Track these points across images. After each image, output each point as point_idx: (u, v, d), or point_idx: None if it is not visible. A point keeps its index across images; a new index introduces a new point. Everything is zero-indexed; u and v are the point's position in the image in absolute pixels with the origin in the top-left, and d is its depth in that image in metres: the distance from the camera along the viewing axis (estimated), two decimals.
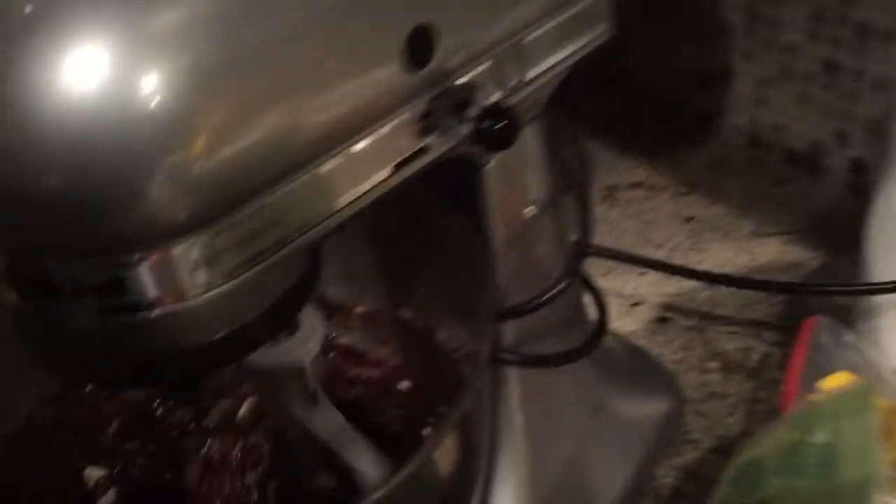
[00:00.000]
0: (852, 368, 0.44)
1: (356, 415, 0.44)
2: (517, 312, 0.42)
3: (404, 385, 0.46)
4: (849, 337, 0.48)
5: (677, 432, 0.55)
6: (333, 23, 0.28)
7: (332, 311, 0.47)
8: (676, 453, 0.54)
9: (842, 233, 0.67)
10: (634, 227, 0.71)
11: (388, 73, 0.30)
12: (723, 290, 0.63)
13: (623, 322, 0.62)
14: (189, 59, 0.24)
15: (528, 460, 0.46)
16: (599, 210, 0.71)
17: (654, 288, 0.65)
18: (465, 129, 0.34)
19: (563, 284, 0.43)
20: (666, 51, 0.81)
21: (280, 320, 0.32)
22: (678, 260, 0.67)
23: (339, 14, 0.28)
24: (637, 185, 0.75)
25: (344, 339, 0.47)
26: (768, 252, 0.67)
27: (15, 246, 0.26)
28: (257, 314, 0.30)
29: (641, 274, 0.66)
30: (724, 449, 0.54)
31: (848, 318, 0.56)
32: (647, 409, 0.55)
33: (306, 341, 0.35)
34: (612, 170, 0.76)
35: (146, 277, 0.27)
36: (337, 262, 0.45)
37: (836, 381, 0.43)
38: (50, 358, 0.29)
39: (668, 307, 0.64)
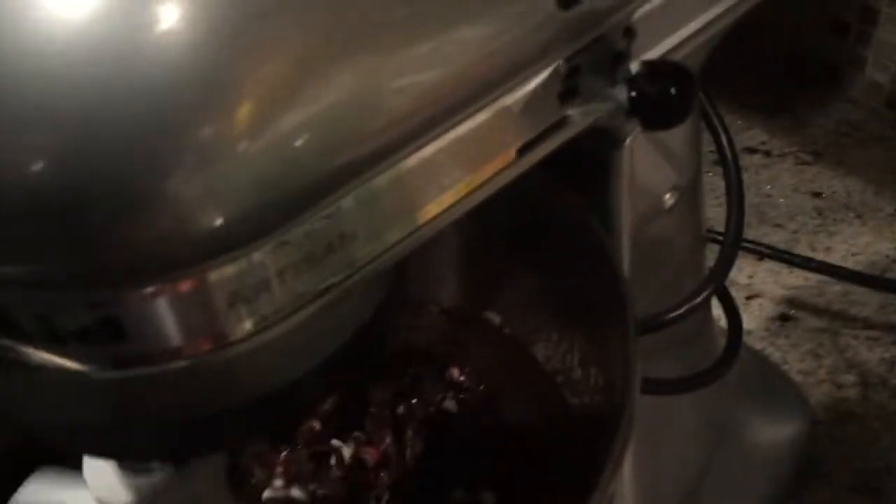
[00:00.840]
0: None
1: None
2: (651, 327, 0.33)
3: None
4: None
5: (806, 463, 0.45)
6: None
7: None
8: (805, 489, 0.44)
9: None
10: (749, 201, 0.60)
11: (528, 11, 0.20)
12: None
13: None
14: None
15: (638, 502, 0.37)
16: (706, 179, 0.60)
17: (774, 278, 0.55)
18: (619, 94, 0.24)
19: (708, 290, 0.33)
20: None
21: (350, 368, 0.22)
22: (803, 244, 0.57)
23: None
24: (752, 151, 0.64)
25: (416, 342, 0.38)
26: None
27: None
28: (321, 362, 0.21)
29: (759, 259, 0.55)
30: (865, 488, 0.44)
31: None
32: (772, 433, 0.45)
33: None
34: None
35: (164, 317, 0.18)
36: None
37: None
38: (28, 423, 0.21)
39: (791, 302, 0.53)
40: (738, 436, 0.44)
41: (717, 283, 0.34)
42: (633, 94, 0.23)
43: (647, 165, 0.31)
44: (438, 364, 0.39)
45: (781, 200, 0.60)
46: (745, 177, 0.62)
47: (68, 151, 0.16)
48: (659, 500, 0.38)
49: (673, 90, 0.23)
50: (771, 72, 0.69)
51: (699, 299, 0.33)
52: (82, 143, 0.16)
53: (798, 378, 0.49)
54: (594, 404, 0.32)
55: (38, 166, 0.16)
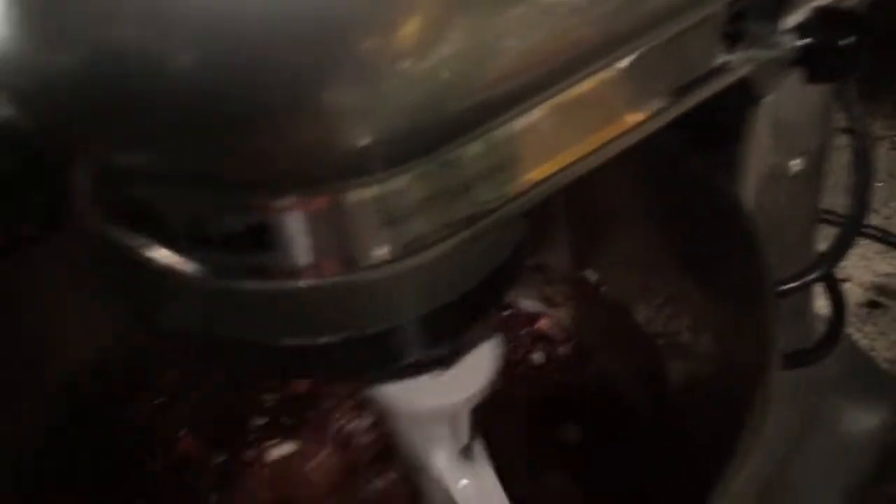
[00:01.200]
0: None
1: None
2: None
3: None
4: None
5: (891, 452, 0.44)
6: None
7: None
8: (891, 479, 0.43)
9: None
10: (840, 183, 0.57)
11: None
12: None
13: (824, 303, 0.50)
14: None
15: None
16: None
17: (865, 263, 0.53)
18: (786, 40, 0.22)
19: (826, 266, 0.32)
20: None
21: (478, 310, 0.21)
22: None
23: None
24: (845, 132, 0.61)
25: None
26: None
27: (105, 164, 0.16)
28: (451, 299, 0.20)
29: None
30: None
31: None
32: (860, 421, 0.44)
33: (468, 381, 0.23)
34: None
35: (297, 232, 0.17)
36: None
37: None
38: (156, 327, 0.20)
39: (881, 289, 0.51)
40: (826, 419, 0.43)
41: (836, 259, 0.32)
42: (805, 41, 0.21)
43: (781, 126, 0.29)
44: (526, 316, 0.38)
45: (876, 185, 0.57)
46: (836, 159, 0.60)
47: (229, 49, 0.15)
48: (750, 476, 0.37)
49: (849, 41, 0.21)
50: (873, 52, 0.66)
51: (816, 274, 0.31)
52: (244, 41, 0.15)
53: (885, 367, 0.47)
54: (702, 370, 0.30)
55: (200, 63, 0.15)
